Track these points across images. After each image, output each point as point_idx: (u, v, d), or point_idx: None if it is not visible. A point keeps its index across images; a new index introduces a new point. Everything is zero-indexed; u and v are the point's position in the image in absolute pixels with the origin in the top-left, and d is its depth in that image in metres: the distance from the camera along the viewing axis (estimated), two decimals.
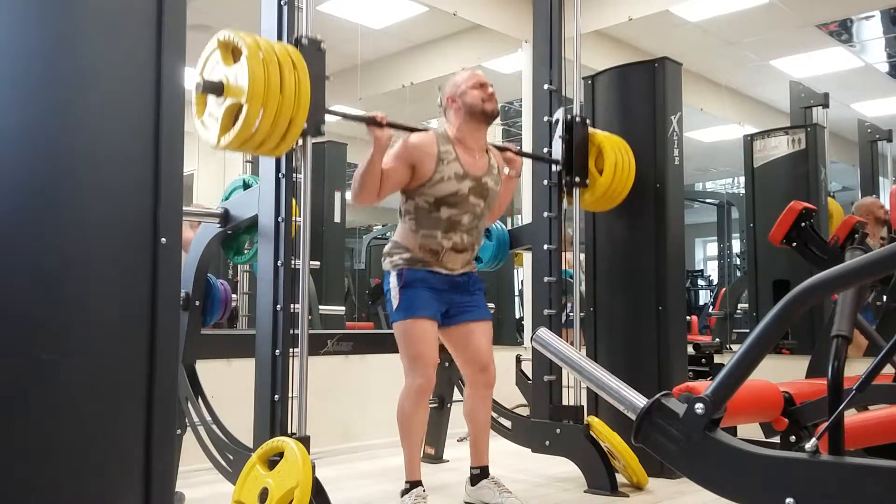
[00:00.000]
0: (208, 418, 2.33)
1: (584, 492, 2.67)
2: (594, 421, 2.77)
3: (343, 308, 4.64)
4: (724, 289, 6.38)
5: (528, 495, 2.62)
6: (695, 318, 6.31)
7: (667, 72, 3.07)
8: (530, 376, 3.01)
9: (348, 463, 3.26)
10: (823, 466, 1.09)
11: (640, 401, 1.27)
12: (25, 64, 1.30)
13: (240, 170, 4.60)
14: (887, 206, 3.95)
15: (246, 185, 2.44)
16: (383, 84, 5.33)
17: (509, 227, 3.61)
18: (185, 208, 1.87)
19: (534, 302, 3.00)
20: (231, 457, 2.26)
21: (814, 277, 1.15)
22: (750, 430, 1.69)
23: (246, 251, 2.52)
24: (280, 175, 2.13)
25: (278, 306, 2.09)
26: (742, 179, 4.99)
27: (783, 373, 2.02)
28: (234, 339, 3.17)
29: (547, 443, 2.83)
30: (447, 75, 2.48)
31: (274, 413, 2.07)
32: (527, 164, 3.15)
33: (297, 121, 1.93)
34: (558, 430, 2.80)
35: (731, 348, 4.45)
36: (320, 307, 4.18)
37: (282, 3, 2.12)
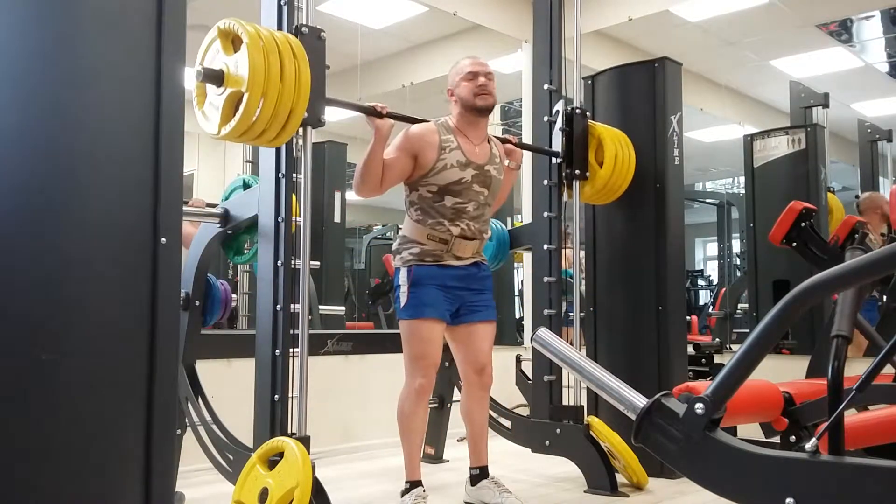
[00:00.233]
0: (208, 418, 2.33)
1: (584, 492, 2.67)
2: (594, 421, 2.77)
3: (343, 308, 4.64)
4: (724, 289, 6.38)
5: (528, 495, 2.62)
6: (695, 318, 6.31)
7: (667, 72, 3.07)
8: (530, 376, 3.01)
9: (348, 463, 3.26)
10: (823, 466, 1.09)
11: (640, 401, 1.26)
12: (25, 64, 1.30)
13: (240, 170, 4.60)
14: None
15: (246, 185, 2.44)
16: (383, 84, 5.33)
17: (509, 226, 3.61)
18: (185, 208, 1.88)
19: (534, 302, 3.00)
20: (231, 457, 2.25)
21: (814, 277, 1.15)
22: (750, 430, 1.69)
23: (246, 251, 2.52)
24: (280, 175, 2.13)
25: (278, 306, 2.09)
26: (742, 179, 4.99)
27: (783, 373, 2.02)
28: (234, 339, 3.17)
29: (547, 443, 2.83)
30: (447, 76, 2.48)
31: (274, 413, 2.06)
32: (527, 164, 3.15)
33: (297, 110, 1.93)
34: (558, 430, 2.80)
35: (731, 348, 4.45)
36: (320, 307, 4.18)
37: (282, 3, 2.12)
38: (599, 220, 3.20)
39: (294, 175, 2.13)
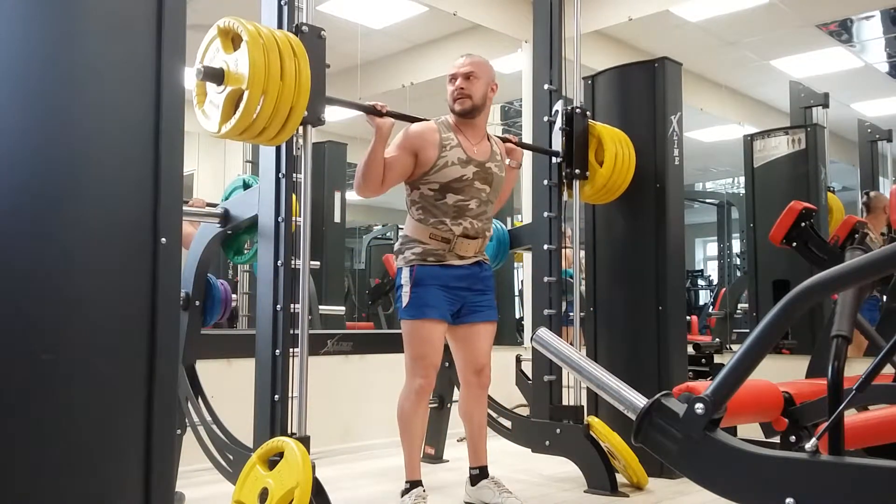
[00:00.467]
0: (208, 418, 2.33)
1: (584, 492, 2.67)
2: (594, 421, 2.76)
3: (343, 308, 4.64)
4: (724, 289, 6.38)
5: (528, 495, 2.62)
6: (695, 318, 6.31)
7: (667, 72, 3.07)
8: (530, 376, 3.01)
9: (348, 463, 3.26)
10: (823, 466, 1.09)
11: (640, 401, 1.26)
12: (25, 64, 1.30)
13: (240, 169, 4.61)
14: None
15: (246, 185, 2.44)
16: (383, 84, 5.33)
17: (509, 226, 3.61)
18: (185, 208, 1.87)
19: (534, 302, 3.00)
20: (231, 457, 2.25)
21: (814, 277, 1.15)
22: (750, 431, 1.69)
23: (246, 251, 2.52)
24: (280, 175, 2.13)
25: (278, 306, 2.09)
26: (742, 179, 4.99)
27: (783, 373, 2.02)
28: (234, 339, 3.17)
29: (547, 443, 2.83)
30: (446, 76, 2.48)
31: (274, 413, 2.06)
32: (527, 164, 3.16)
33: (297, 108, 1.93)
34: (558, 430, 2.80)
35: (731, 348, 4.45)
36: (320, 307, 4.18)
37: (282, 2, 2.12)
38: (599, 220, 3.20)
39: (294, 175, 2.12)
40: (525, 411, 3.09)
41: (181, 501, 2.42)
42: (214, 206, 2.47)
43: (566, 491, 2.72)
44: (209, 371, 2.50)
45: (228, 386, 2.57)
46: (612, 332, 3.12)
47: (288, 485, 1.87)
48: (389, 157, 2.31)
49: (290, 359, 2.07)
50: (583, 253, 3.20)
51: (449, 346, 2.52)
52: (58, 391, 1.27)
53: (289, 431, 2.06)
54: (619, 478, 2.69)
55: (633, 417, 1.25)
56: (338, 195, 4.59)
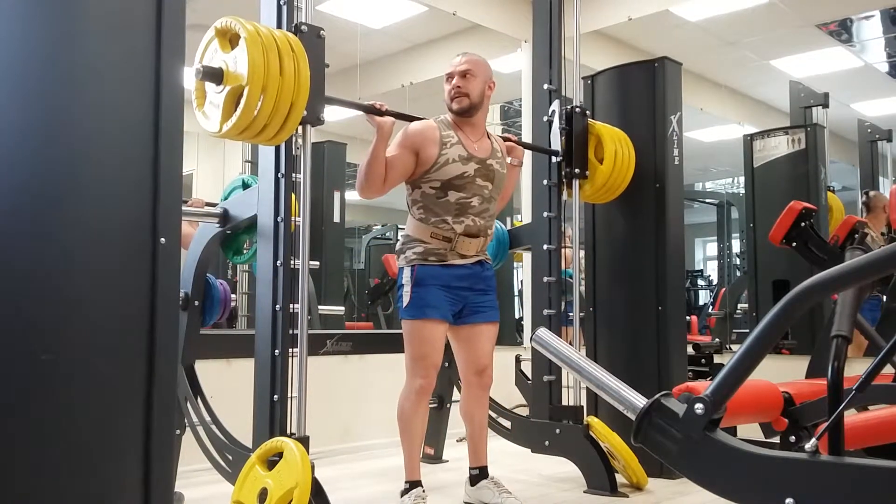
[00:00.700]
0: (207, 418, 2.33)
1: (584, 492, 2.66)
2: (594, 421, 2.76)
3: (342, 308, 4.64)
4: (723, 289, 6.38)
5: (528, 495, 2.61)
6: (694, 318, 6.31)
7: (666, 72, 3.06)
8: (530, 376, 3.00)
9: (347, 463, 3.25)
10: (823, 467, 1.09)
11: (640, 401, 1.26)
12: (25, 64, 1.29)
13: (239, 169, 4.60)
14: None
15: (245, 185, 2.43)
16: (383, 84, 5.33)
17: (508, 226, 3.60)
18: (184, 208, 1.87)
19: (533, 302, 3.00)
20: (230, 457, 2.25)
21: (814, 277, 1.15)
22: (750, 431, 1.69)
23: (245, 251, 2.52)
24: (279, 175, 2.13)
25: (277, 306, 2.09)
26: (742, 179, 4.99)
27: (783, 373, 2.02)
28: (233, 339, 3.16)
29: (546, 443, 2.83)
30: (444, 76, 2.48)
31: (273, 413, 2.06)
32: (526, 164, 3.15)
33: (297, 105, 1.92)
34: (558, 431, 2.79)
35: (730, 348, 4.45)
36: (319, 307, 4.18)
37: (281, 2, 2.12)
38: (599, 220, 3.19)
39: (293, 175, 2.12)
40: (524, 411, 3.09)
41: (180, 501, 2.42)
42: (214, 206, 2.47)
43: (566, 491, 2.72)
44: (208, 371, 2.50)
45: (227, 386, 2.57)
46: (611, 332, 3.12)
47: (287, 485, 1.87)
48: (390, 156, 2.30)
49: (290, 359, 2.07)
50: (582, 253, 3.20)
51: (450, 346, 2.51)
52: (57, 391, 1.27)
53: (288, 431, 2.05)
54: (619, 478, 2.69)
55: (633, 417, 1.25)
56: (337, 195, 4.59)
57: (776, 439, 1.66)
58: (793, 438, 1.61)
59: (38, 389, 1.25)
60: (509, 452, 3.06)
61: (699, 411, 1.19)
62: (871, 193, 4.25)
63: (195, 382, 2.39)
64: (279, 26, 2.10)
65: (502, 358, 2.91)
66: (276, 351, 2.08)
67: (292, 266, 2.09)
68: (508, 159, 2.53)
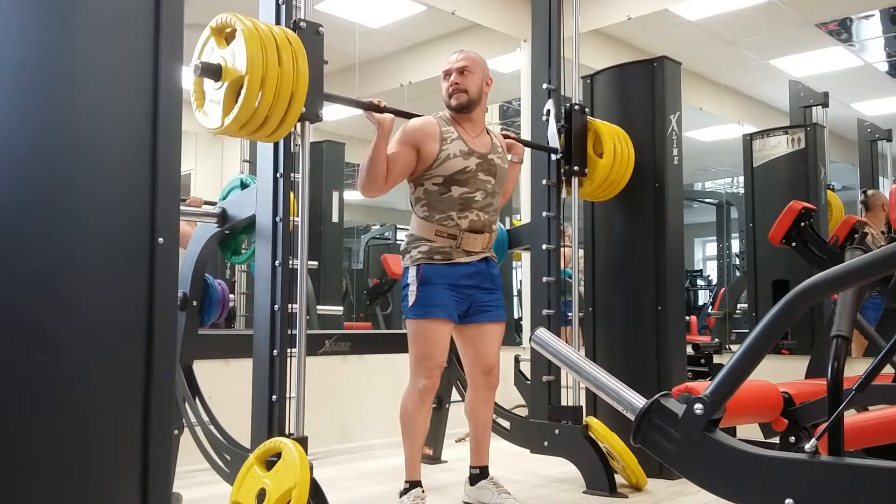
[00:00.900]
0: (206, 419, 2.33)
1: (583, 492, 2.66)
2: (593, 421, 2.76)
3: (341, 308, 4.63)
4: (723, 289, 6.38)
5: (527, 496, 2.61)
6: (694, 318, 6.31)
7: (666, 71, 3.06)
8: (529, 377, 3.00)
9: (346, 463, 3.25)
10: (823, 467, 1.09)
11: (639, 401, 1.26)
12: (23, 63, 1.29)
13: (237, 169, 4.60)
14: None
15: (243, 185, 2.43)
16: (381, 83, 5.32)
17: (507, 226, 3.60)
18: (182, 207, 1.87)
19: (532, 302, 2.99)
20: (228, 457, 2.25)
21: (813, 277, 1.14)
22: (749, 431, 1.69)
23: (243, 251, 2.51)
24: (278, 174, 2.12)
25: (276, 306, 2.08)
26: (741, 179, 4.98)
27: (783, 373, 2.02)
28: (231, 340, 3.16)
29: (546, 443, 2.82)
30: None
31: (271, 413, 2.05)
32: (525, 163, 3.14)
33: (297, 97, 1.91)
34: (557, 431, 2.79)
35: (730, 348, 4.44)
36: (318, 307, 4.17)
37: (279, 1, 2.11)
38: (598, 220, 3.19)
39: (292, 174, 2.12)
40: (524, 412, 3.09)
41: (178, 502, 2.41)
42: (212, 205, 2.46)
43: (565, 492, 2.71)
44: (206, 371, 2.49)
45: (226, 386, 2.56)
46: (610, 332, 3.11)
47: (285, 485, 1.87)
48: (391, 153, 2.30)
49: (288, 359, 2.07)
50: (582, 252, 3.19)
51: (454, 346, 2.49)
52: (54, 392, 1.27)
53: (286, 432, 2.05)
54: (618, 478, 2.69)
55: (632, 418, 1.24)
56: (336, 195, 4.58)
57: (776, 440, 1.65)
58: (792, 439, 1.62)
59: (34, 390, 1.25)
60: (508, 453, 3.05)
61: (698, 412, 1.18)
62: (870, 192, 4.24)
63: (193, 383, 2.38)
64: (278, 23, 2.10)
65: (501, 358, 2.90)
66: (275, 351, 2.07)
67: (291, 266, 2.09)
68: (509, 156, 2.53)
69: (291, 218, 2.10)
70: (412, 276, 2.31)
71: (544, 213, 2.92)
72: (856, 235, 2.97)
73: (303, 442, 1.99)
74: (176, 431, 2.24)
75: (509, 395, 3.26)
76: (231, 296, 2.56)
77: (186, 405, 2.35)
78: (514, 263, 5.34)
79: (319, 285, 4.45)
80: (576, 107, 2.93)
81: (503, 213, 3.25)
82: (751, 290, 4.54)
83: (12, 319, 1.25)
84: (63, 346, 1.28)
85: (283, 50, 1.89)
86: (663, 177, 3.02)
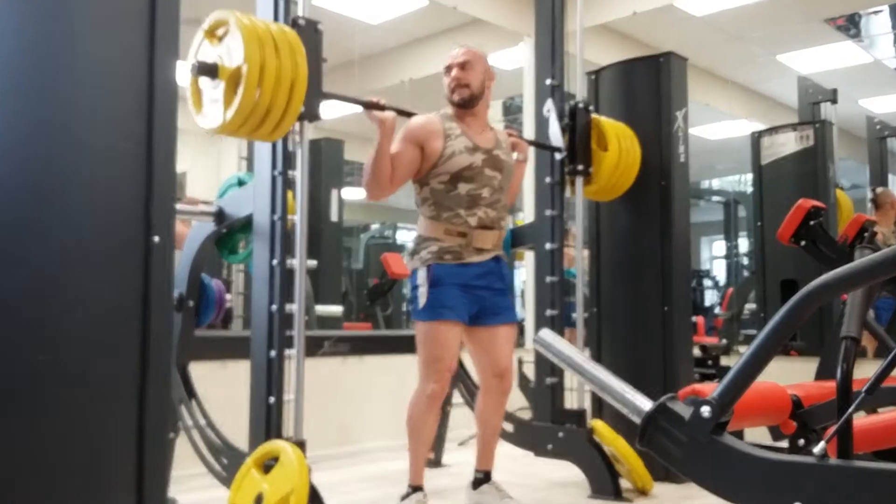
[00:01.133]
0: (202, 421, 2.30)
1: (588, 497, 2.63)
2: (598, 424, 2.72)
3: (340, 308, 4.63)
4: (731, 289, 6.34)
5: (530, 500, 2.58)
6: (701, 318, 6.27)
7: (672, 67, 3.02)
8: (532, 379, 2.97)
9: (345, 467, 3.22)
10: (832, 470, 1.07)
11: (645, 404, 1.23)
12: (17, 60, 1.28)
13: (234, 168, 4.59)
14: None
15: (241, 183, 2.40)
16: (382, 79, 5.31)
17: (510, 225, 3.57)
18: (178, 206, 1.85)
19: (536, 302, 2.96)
20: (225, 461, 2.22)
21: (822, 277, 1.12)
22: (757, 434, 1.65)
23: (241, 250, 2.49)
24: (276, 172, 2.10)
25: (274, 307, 2.06)
26: (749, 177, 4.95)
27: (791, 375, 1.98)
28: (228, 341, 3.14)
29: (549, 447, 2.79)
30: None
31: (269, 416, 2.03)
32: (529, 161, 3.12)
33: (296, 92, 1.89)
34: (561, 434, 2.76)
35: (738, 350, 4.40)
36: (317, 308, 4.16)
37: None
38: (603, 219, 3.16)
39: (290, 172, 2.09)
40: (527, 414, 3.06)
41: None
42: (208, 203, 2.44)
43: (569, 496, 2.68)
44: (203, 373, 2.47)
45: (223, 388, 2.53)
46: (615, 333, 3.08)
47: (283, 490, 1.85)
48: (395, 152, 2.26)
49: (286, 361, 2.05)
50: (586, 252, 3.15)
51: (467, 350, 2.43)
52: (47, 392, 1.25)
53: (284, 435, 2.03)
54: (624, 482, 2.66)
55: (638, 421, 1.22)
56: (335, 193, 4.56)
57: (785, 443, 1.62)
58: (801, 442, 1.59)
59: (29, 390, 1.23)
60: (511, 456, 3.02)
61: (706, 414, 1.16)
62: (879, 190, 4.20)
63: (189, 384, 2.36)
64: (276, 20, 2.07)
65: None
66: (273, 352, 2.05)
67: (289, 266, 2.07)
68: (514, 155, 2.50)
69: (289, 216, 2.07)
70: (422, 277, 2.27)
71: (548, 212, 2.88)
72: (865, 234, 2.92)
73: (301, 445, 1.97)
74: (172, 434, 2.23)
75: (512, 398, 3.22)
76: (228, 296, 2.54)
77: (183, 407, 2.33)
78: (516, 263, 5.32)
79: (318, 285, 4.44)
80: (580, 105, 2.89)
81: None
82: (759, 290, 4.51)
83: (7, 319, 1.24)
84: (57, 346, 1.26)
85: (280, 46, 1.87)
86: (669, 174, 2.98)
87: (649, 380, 2.84)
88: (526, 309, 4.77)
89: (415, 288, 2.29)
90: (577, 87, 2.95)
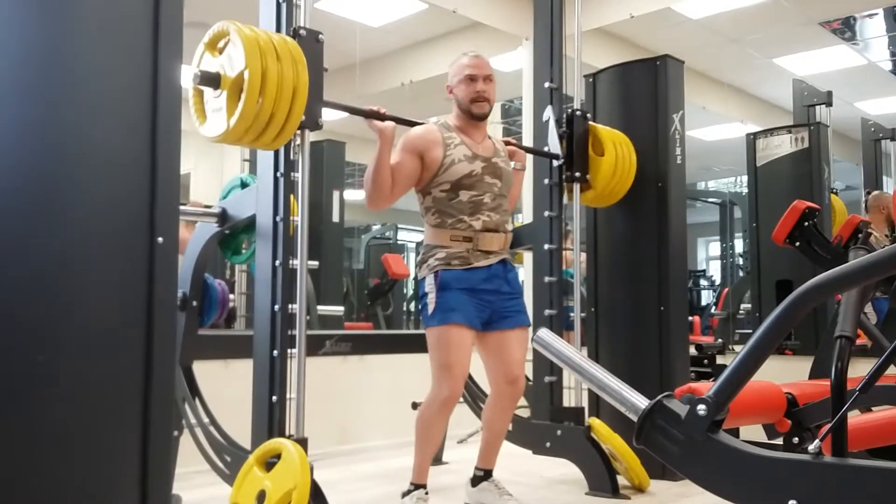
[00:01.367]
0: (205, 420, 2.32)
1: (585, 494, 2.65)
2: (595, 422, 2.74)
3: (342, 308, 4.63)
4: (726, 289, 6.36)
5: (529, 498, 2.60)
6: (697, 318, 6.30)
7: (669, 70, 3.04)
8: (531, 377, 2.99)
9: (347, 465, 3.24)
10: (826, 468, 1.08)
11: (642, 402, 1.25)
12: (21, 63, 1.28)
13: (237, 170, 4.59)
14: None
15: (244, 185, 2.42)
16: (382, 82, 5.32)
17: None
18: (181, 207, 1.86)
19: (534, 302, 2.98)
20: (228, 458, 2.24)
21: (817, 277, 1.13)
22: (753, 432, 1.67)
23: (243, 251, 2.50)
24: (278, 174, 2.12)
25: (276, 307, 2.07)
26: (745, 178, 4.97)
27: (786, 374, 2.00)
28: (231, 340, 3.15)
29: (548, 444, 2.81)
30: (447, 74, 2.46)
31: (272, 414, 2.04)
32: (528, 163, 3.14)
33: (298, 100, 1.90)
34: (559, 432, 2.78)
35: (733, 349, 4.42)
36: (319, 307, 4.16)
37: (280, 1, 2.10)
38: (601, 220, 3.17)
39: (292, 174, 2.11)
40: (526, 413, 3.08)
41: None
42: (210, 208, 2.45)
43: (567, 493, 2.70)
44: (206, 372, 2.48)
45: (226, 387, 2.55)
46: (613, 332, 3.10)
47: (285, 487, 1.86)
48: (395, 162, 2.28)
49: (288, 360, 2.05)
50: (583, 255, 3.17)
51: (479, 355, 2.41)
52: (53, 392, 1.26)
53: (286, 433, 2.04)
54: (621, 480, 2.67)
55: (635, 419, 1.23)
56: (336, 194, 4.57)
57: (779, 441, 1.64)
58: (796, 440, 1.60)
59: (34, 390, 1.24)
60: (510, 454, 3.03)
61: (702, 413, 1.17)
62: (873, 193, 4.23)
63: (193, 383, 2.37)
64: (278, 26, 2.09)
65: None
66: (275, 352, 2.06)
67: (291, 266, 2.08)
68: (512, 164, 2.52)
69: (292, 218, 2.09)
70: (430, 283, 2.27)
71: (546, 213, 2.90)
72: (860, 235, 2.95)
73: (303, 443, 1.98)
74: (175, 433, 2.24)
75: None
76: (231, 296, 2.55)
77: (186, 406, 2.35)
78: (514, 264, 5.33)
79: (320, 285, 4.44)
80: (577, 112, 2.91)
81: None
82: (754, 290, 4.53)
83: (10, 319, 1.24)
84: (61, 346, 1.27)
85: (282, 56, 1.89)
86: (666, 176, 3.00)
87: (646, 378, 2.86)
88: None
89: (424, 296, 2.29)
90: (576, 90, 2.97)
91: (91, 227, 1.31)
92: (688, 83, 3.18)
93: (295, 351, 2.05)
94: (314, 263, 2.15)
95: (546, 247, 2.89)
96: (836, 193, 4.50)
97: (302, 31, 2.06)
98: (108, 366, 1.31)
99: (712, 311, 6.64)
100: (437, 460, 3.19)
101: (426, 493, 2.33)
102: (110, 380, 1.31)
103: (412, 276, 6.01)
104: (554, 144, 2.88)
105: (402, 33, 5.12)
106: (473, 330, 2.26)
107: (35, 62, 1.28)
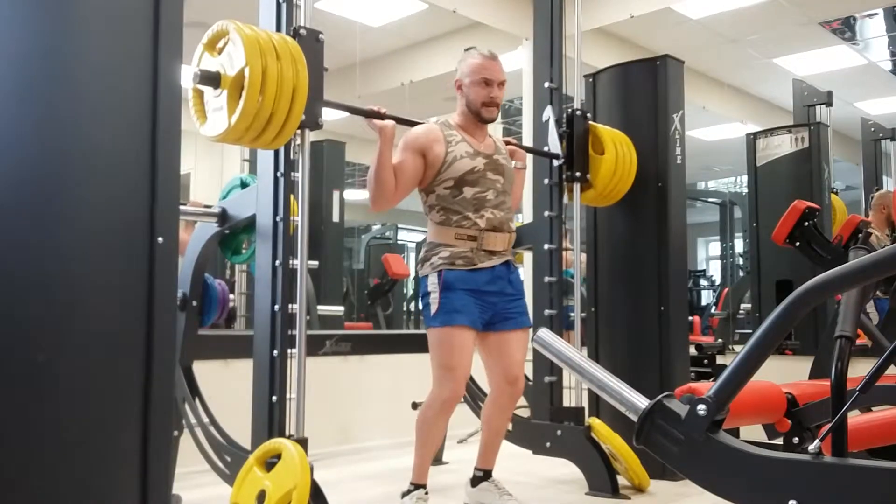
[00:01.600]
0: (205, 420, 2.32)
1: (585, 494, 2.65)
2: (595, 422, 2.74)
3: (342, 308, 4.63)
4: (726, 289, 6.36)
5: (529, 497, 2.60)
6: (697, 318, 6.30)
7: (669, 70, 3.04)
8: (531, 377, 2.99)
9: (347, 465, 3.24)
10: (826, 468, 1.08)
11: (642, 402, 1.25)
12: (21, 62, 1.28)
13: (237, 170, 4.59)
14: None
15: (244, 184, 2.42)
16: (382, 82, 5.32)
17: None
18: (181, 207, 1.86)
19: (534, 302, 2.98)
20: (228, 458, 2.24)
21: (817, 277, 1.13)
22: (753, 432, 1.67)
23: (244, 251, 2.50)
24: (278, 174, 2.12)
25: (276, 306, 2.07)
26: (745, 178, 4.97)
27: (786, 374, 2.00)
28: (231, 340, 3.15)
29: (548, 444, 2.81)
30: (447, 74, 2.45)
31: (272, 414, 2.04)
32: (528, 163, 3.14)
33: (298, 100, 1.90)
34: (559, 432, 2.78)
35: (733, 349, 4.42)
36: (319, 307, 4.16)
37: (280, 1, 2.11)
38: (601, 220, 3.18)
39: (292, 174, 2.11)
40: (526, 413, 3.08)
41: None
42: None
43: (567, 493, 2.70)
44: (206, 372, 2.48)
45: (226, 387, 2.55)
46: (613, 332, 3.10)
47: (286, 487, 1.86)
48: (397, 162, 2.27)
49: (288, 360, 2.05)
50: (583, 255, 3.17)
51: (479, 355, 2.41)
52: (53, 392, 1.26)
53: (286, 433, 2.04)
54: (621, 480, 2.68)
55: (635, 419, 1.23)
56: (336, 194, 4.57)
57: (780, 441, 1.64)
58: (796, 440, 1.60)
59: (34, 391, 1.24)
60: (510, 454, 3.03)
61: (702, 412, 1.17)
62: (878, 193, 4.23)
63: (193, 383, 2.37)
64: (278, 26, 2.09)
65: None
66: (275, 352, 2.06)
67: (291, 266, 2.08)
68: (513, 163, 2.52)
69: (292, 218, 2.09)
70: (433, 282, 2.26)
71: (546, 213, 2.90)
72: (860, 235, 2.95)
73: (303, 443, 1.98)
74: (175, 432, 2.24)
75: None
76: (231, 296, 2.55)
77: (186, 406, 2.35)
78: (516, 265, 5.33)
79: (320, 285, 4.45)
80: (577, 112, 2.91)
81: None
82: (754, 290, 4.53)
83: (10, 320, 1.24)
84: (61, 346, 1.27)
85: (282, 55, 1.89)
86: (666, 176, 3.01)
87: (646, 378, 2.86)
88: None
89: (426, 295, 2.28)
90: (576, 90, 2.97)
91: (91, 227, 1.31)
92: (688, 83, 3.18)
93: (295, 351, 2.05)
94: (314, 263, 2.15)
95: (546, 247, 2.89)
96: (836, 193, 4.51)
97: (302, 31, 2.06)
98: (108, 366, 1.31)
99: (712, 311, 6.65)
100: (437, 460, 3.19)
101: (426, 493, 2.33)
102: (110, 380, 1.31)
103: (412, 275, 6.04)
104: (554, 144, 2.88)
105: (402, 33, 5.12)
106: (475, 331, 2.26)
107: (35, 62, 1.28)
